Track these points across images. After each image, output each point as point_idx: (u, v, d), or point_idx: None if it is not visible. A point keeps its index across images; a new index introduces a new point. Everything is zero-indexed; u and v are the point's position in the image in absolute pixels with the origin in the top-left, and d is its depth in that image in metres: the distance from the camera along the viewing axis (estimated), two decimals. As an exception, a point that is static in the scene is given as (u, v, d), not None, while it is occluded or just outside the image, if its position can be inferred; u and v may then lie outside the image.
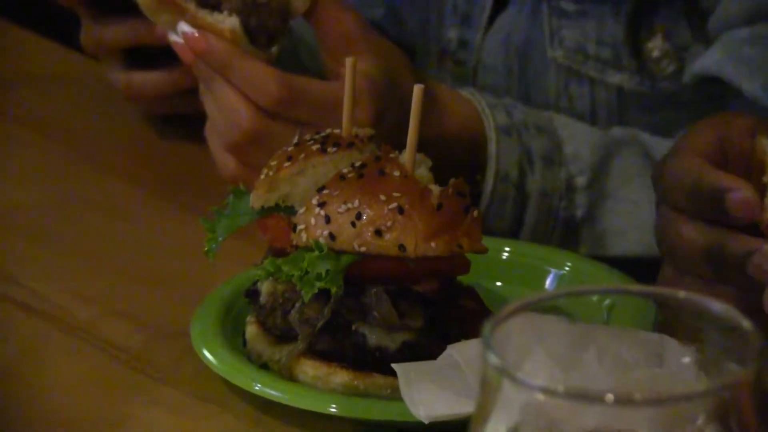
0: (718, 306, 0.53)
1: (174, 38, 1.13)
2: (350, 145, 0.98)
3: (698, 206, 0.82)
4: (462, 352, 0.88)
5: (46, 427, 0.92)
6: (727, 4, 1.20)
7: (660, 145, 1.20)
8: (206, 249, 1.00)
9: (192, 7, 1.12)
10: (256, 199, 0.98)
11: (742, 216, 0.79)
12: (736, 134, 0.86)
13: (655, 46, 1.27)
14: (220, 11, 1.12)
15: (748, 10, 1.18)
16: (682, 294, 0.56)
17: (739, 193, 0.79)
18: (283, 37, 1.16)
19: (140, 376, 0.97)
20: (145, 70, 1.33)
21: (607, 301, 0.94)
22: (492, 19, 1.36)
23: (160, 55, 1.28)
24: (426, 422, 0.85)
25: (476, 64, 1.37)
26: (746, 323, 0.52)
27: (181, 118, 1.35)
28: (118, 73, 1.35)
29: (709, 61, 1.20)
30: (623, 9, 1.26)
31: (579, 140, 1.20)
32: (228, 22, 1.11)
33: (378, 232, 0.91)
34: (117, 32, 1.31)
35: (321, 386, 0.92)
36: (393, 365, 0.89)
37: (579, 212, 1.18)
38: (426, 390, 0.87)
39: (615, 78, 1.29)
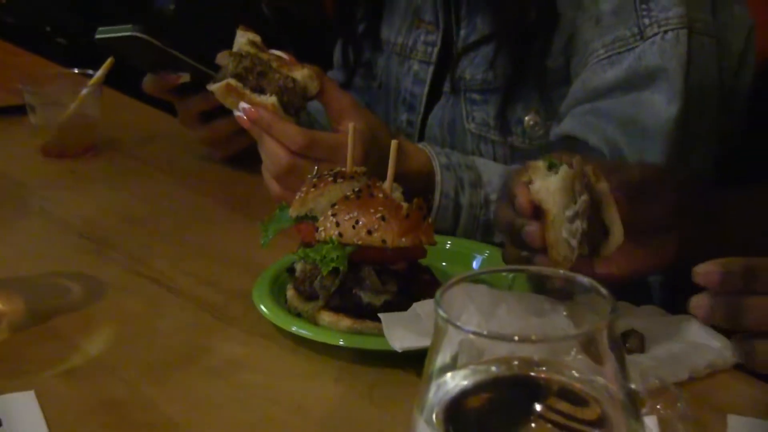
0: (585, 279, 0.52)
1: (237, 113, 1.13)
2: (351, 177, 0.97)
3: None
4: (422, 307, 0.88)
5: (162, 353, 0.91)
6: (574, 92, 1.20)
7: None
8: (262, 242, 0.99)
9: (248, 92, 1.12)
10: (293, 211, 0.97)
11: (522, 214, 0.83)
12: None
13: (531, 119, 1.26)
14: (265, 94, 1.12)
15: (588, 94, 1.18)
16: (561, 272, 0.55)
17: (520, 198, 0.82)
18: (303, 110, 1.16)
19: (220, 322, 0.96)
20: (216, 119, 1.33)
21: (511, 275, 0.93)
22: (430, 107, 1.36)
23: (218, 113, 1.28)
24: (399, 351, 0.84)
25: (422, 135, 1.37)
26: (603, 290, 0.51)
27: (243, 162, 1.34)
28: (201, 128, 1.35)
29: (565, 126, 1.19)
30: (508, 97, 1.26)
31: (491, 172, 1.19)
32: (270, 100, 1.12)
33: (369, 232, 0.90)
34: (194, 103, 1.31)
35: (333, 328, 0.91)
36: (379, 314, 0.88)
37: (493, 216, 1.18)
38: (399, 330, 0.86)
39: (507, 140, 1.28)
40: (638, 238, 0.83)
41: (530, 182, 0.82)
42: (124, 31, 1.23)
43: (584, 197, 0.79)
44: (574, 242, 0.80)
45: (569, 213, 0.79)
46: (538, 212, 0.81)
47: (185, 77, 1.29)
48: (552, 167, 0.81)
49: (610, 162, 0.89)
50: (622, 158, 1.16)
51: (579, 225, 0.79)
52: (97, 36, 1.26)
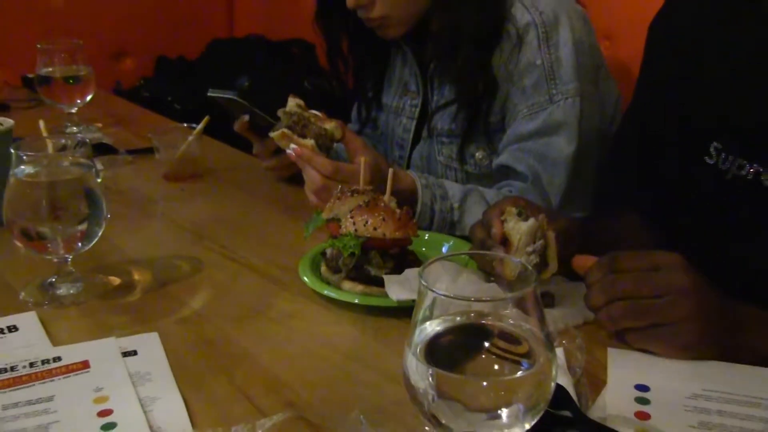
0: (518, 260, 0.51)
1: (288, 151, 1.11)
2: (363, 193, 0.95)
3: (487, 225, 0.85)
4: (411, 273, 0.87)
5: (240, 307, 0.89)
6: (508, 136, 1.20)
7: (487, 192, 1.18)
8: (305, 235, 0.98)
9: (295, 137, 1.10)
10: (324, 215, 0.96)
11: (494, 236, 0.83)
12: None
13: (480, 154, 1.25)
14: (306, 138, 1.10)
15: (517, 138, 1.18)
16: (502, 254, 0.54)
17: (495, 230, 0.83)
18: (332, 149, 1.14)
19: (277, 287, 0.95)
20: (280, 154, 1.28)
21: (467, 258, 0.92)
22: (414, 147, 1.35)
23: (280, 150, 1.23)
24: (395, 300, 0.83)
25: (408, 165, 1.36)
26: (530, 268, 0.50)
27: (293, 183, 1.32)
28: (270, 159, 1.32)
29: (502, 158, 1.20)
30: (465, 140, 1.25)
31: (455, 189, 1.17)
32: (309, 142, 1.10)
33: (375, 228, 0.88)
34: (268, 143, 1.28)
35: (352, 292, 0.89)
36: (384, 276, 0.87)
37: (455, 218, 1.16)
38: (396, 286, 0.85)
39: (464, 167, 1.27)
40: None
41: (504, 220, 0.83)
42: (226, 94, 1.24)
43: (541, 241, 0.82)
44: None
45: (529, 249, 0.81)
46: (504, 240, 0.82)
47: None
48: (521, 214, 0.83)
49: (550, 212, 0.91)
50: (540, 180, 1.17)
51: (534, 258, 0.81)
52: (209, 94, 1.27)
